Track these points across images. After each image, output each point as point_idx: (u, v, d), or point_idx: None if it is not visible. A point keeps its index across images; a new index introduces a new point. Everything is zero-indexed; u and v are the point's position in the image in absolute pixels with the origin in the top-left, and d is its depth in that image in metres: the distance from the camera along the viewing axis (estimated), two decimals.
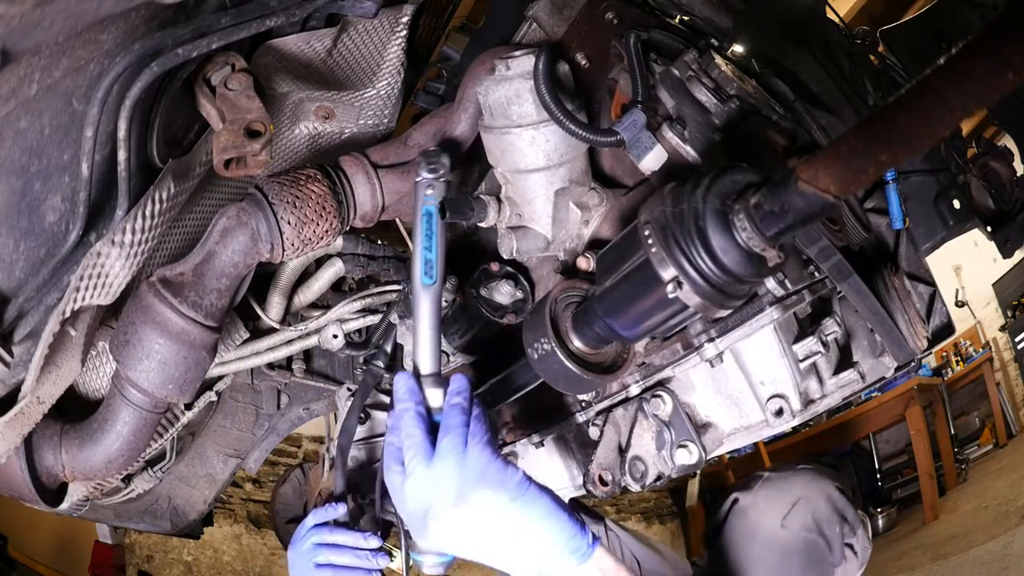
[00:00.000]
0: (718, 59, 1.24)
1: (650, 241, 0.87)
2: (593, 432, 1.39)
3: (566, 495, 1.57)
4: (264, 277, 1.69)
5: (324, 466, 1.71)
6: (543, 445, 1.59)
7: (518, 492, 0.93)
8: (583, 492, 1.53)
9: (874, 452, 6.52)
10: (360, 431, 1.61)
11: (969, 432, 6.25)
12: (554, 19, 1.38)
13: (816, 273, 1.18)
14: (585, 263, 1.25)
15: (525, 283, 1.40)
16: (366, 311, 1.79)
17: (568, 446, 1.54)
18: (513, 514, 0.92)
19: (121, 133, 0.98)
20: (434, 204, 1.09)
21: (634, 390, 1.32)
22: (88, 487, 1.49)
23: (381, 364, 1.52)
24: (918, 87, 0.57)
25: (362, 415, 1.57)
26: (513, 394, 1.34)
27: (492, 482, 0.93)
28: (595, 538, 0.96)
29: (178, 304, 1.11)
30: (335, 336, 1.40)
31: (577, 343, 1.10)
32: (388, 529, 1.48)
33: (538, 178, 1.31)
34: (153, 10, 0.95)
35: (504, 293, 1.36)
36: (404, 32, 1.41)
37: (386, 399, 1.57)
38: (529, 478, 0.96)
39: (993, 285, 6.66)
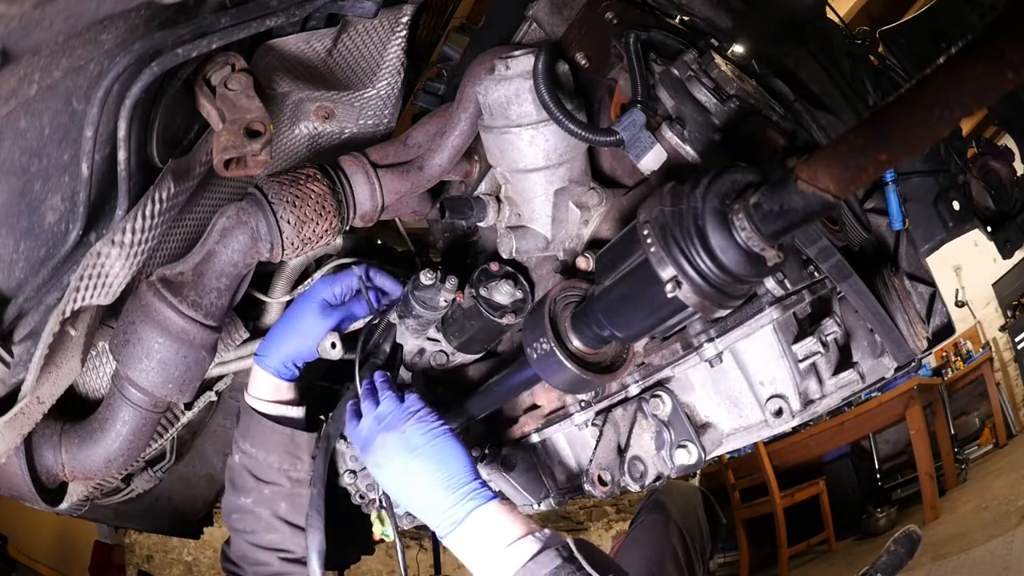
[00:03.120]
0: (718, 59, 1.24)
1: (649, 241, 0.87)
2: (592, 432, 1.39)
3: (564, 495, 1.57)
4: (264, 277, 1.69)
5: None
6: (542, 446, 1.59)
7: (434, 434, 1.17)
8: (579, 493, 1.54)
9: (874, 452, 6.52)
10: None
11: (969, 432, 6.26)
12: (554, 19, 1.38)
13: (816, 273, 1.18)
14: (584, 263, 1.26)
15: (525, 283, 1.40)
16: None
17: (566, 448, 1.54)
18: (427, 448, 1.15)
19: (121, 133, 0.98)
20: None
21: (633, 390, 1.32)
22: (88, 487, 1.49)
23: (379, 363, 1.52)
24: (918, 87, 0.57)
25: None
26: (512, 394, 1.34)
27: (414, 423, 1.18)
28: (494, 495, 1.14)
29: (178, 303, 1.11)
30: (333, 346, 1.40)
31: (576, 343, 1.10)
32: (360, 533, 1.51)
33: (538, 178, 1.31)
34: (153, 10, 0.95)
35: (504, 293, 1.36)
36: (404, 32, 1.41)
37: None
38: (449, 429, 1.20)
39: (993, 285, 6.66)
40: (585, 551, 1.05)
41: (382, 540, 1.43)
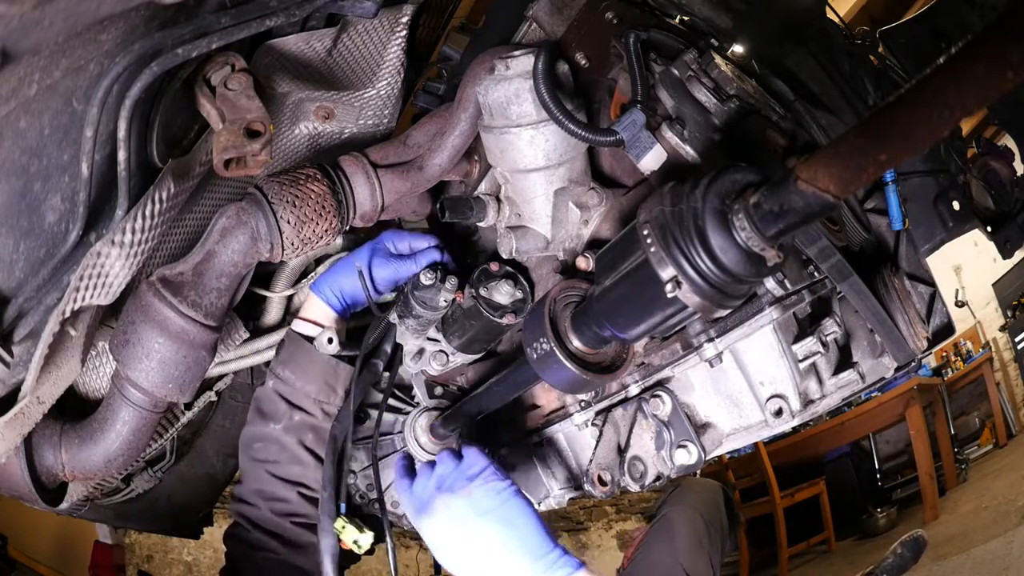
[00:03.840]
0: (718, 59, 1.24)
1: (649, 241, 0.87)
2: (592, 432, 1.39)
3: (564, 495, 1.57)
4: (264, 276, 1.69)
5: None
6: (542, 446, 1.59)
7: (505, 497, 1.04)
8: (579, 493, 1.54)
9: (874, 452, 6.52)
10: (359, 431, 1.61)
11: (969, 432, 6.26)
12: (554, 19, 1.38)
13: (816, 273, 1.18)
14: (584, 263, 1.26)
15: (524, 283, 1.40)
16: None
17: (566, 448, 1.54)
18: (498, 512, 1.02)
19: (121, 133, 0.98)
20: None
21: (633, 390, 1.32)
22: (88, 487, 1.49)
23: (379, 363, 1.52)
24: (918, 87, 0.57)
25: (360, 414, 1.57)
26: (511, 394, 1.33)
27: (480, 484, 1.05)
28: (581, 564, 1.00)
29: (178, 303, 1.11)
30: (330, 340, 1.40)
31: (576, 343, 1.10)
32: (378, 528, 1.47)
33: (537, 178, 1.31)
34: (153, 10, 0.95)
35: (504, 293, 1.37)
36: (404, 32, 1.41)
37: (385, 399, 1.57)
38: (518, 489, 1.06)
39: (993, 285, 6.66)
40: None
41: (351, 550, 1.29)
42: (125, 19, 0.92)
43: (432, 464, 1.17)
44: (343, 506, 1.29)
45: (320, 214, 1.21)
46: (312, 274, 1.71)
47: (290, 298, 1.73)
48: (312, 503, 1.37)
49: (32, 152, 0.92)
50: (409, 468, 1.22)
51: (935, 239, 1.43)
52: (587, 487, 1.33)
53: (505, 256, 1.39)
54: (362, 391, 1.46)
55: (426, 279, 1.35)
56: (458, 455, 1.15)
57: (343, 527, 1.24)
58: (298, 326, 1.46)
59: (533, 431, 1.52)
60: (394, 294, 1.51)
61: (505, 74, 1.22)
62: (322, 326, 1.45)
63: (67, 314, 1.02)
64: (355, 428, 1.44)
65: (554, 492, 1.58)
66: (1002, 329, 6.47)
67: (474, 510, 1.03)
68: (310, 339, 1.43)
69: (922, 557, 3.21)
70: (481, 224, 1.41)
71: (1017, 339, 6.22)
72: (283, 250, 1.19)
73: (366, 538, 1.23)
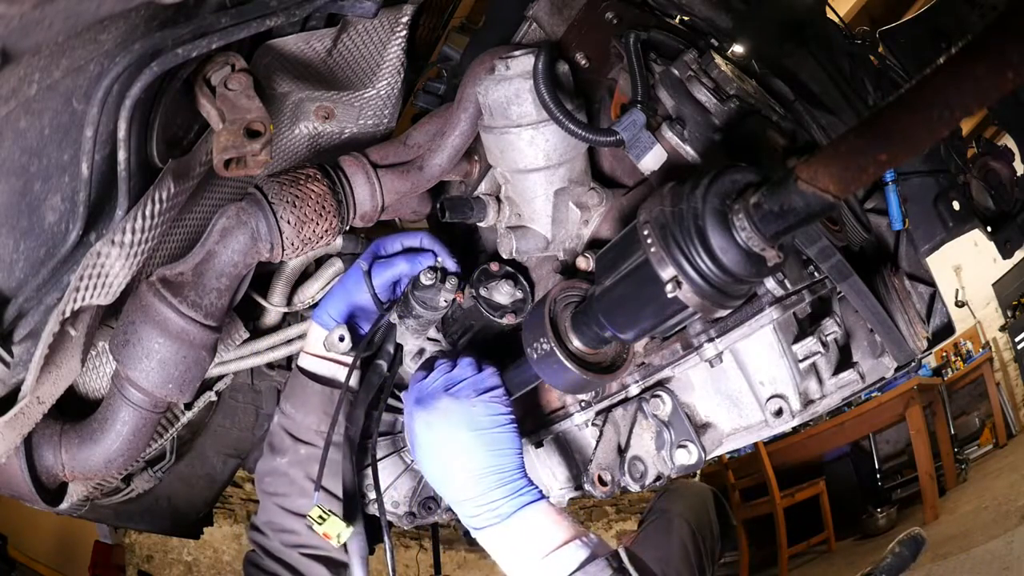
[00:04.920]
0: (718, 59, 1.24)
1: (649, 241, 0.87)
2: (592, 432, 1.39)
3: (564, 495, 1.57)
4: (264, 277, 1.69)
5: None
6: (542, 445, 1.59)
7: (501, 422, 1.10)
8: (579, 493, 1.54)
9: (874, 452, 6.52)
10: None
11: (969, 432, 6.26)
12: (554, 19, 1.38)
13: (816, 273, 1.18)
14: (584, 263, 1.26)
15: (525, 283, 1.40)
16: None
17: (567, 447, 1.54)
18: (487, 430, 1.09)
19: (121, 133, 0.98)
20: None
21: (633, 390, 1.32)
22: (88, 487, 1.49)
23: (383, 363, 1.52)
24: (918, 87, 0.57)
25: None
26: (512, 394, 1.33)
27: (486, 401, 1.11)
28: (544, 497, 1.08)
29: (178, 304, 1.11)
30: (341, 339, 1.38)
31: (576, 343, 1.10)
32: (376, 528, 1.46)
33: (538, 178, 1.31)
34: (153, 10, 0.95)
35: (504, 293, 1.37)
36: (404, 32, 1.41)
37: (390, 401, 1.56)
38: (515, 422, 1.13)
39: (993, 285, 6.66)
40: (637, 564, 1.00)
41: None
42: (125, 19, 0.92)
43: (452, 365, 1.20)
44: (316, 495, 1.25)
45: (320, 214, 1.21)
46: (313, 276, 1.71)
47: (290, 299, 1.73)
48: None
49: (32, 152, 0.92)
50: (430, 365, 1.25)
51: (935, 239, 1.43)
52: (587, 487, 1.33)
53: (505, 256, 1.39)
54: (370, 393, 1.46)
55: (426, 279, 1.35)
56: (479, 367, 1.19)
57: (323, 518, 1.22)
58: (303, 360, 1.46)
59: (533, 431, 1.52)
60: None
61: (505, 74, 1.22)
62: (328, 358, 1.45)
63: (67, 314, 1.02)
64: (367, 424, 1.44)
65: (554, 492, 1.58)
66: (1002, 329, 6.47)
67: (469, 423, 1.09)
68: (313, 375, 1.43)
69: (921, 556, 3.21)
70: (481, 224, 1.41)
71: (1017, 339, 6.22)
72: (283, 250, 1.19)
73: (347, 531, 1.22)
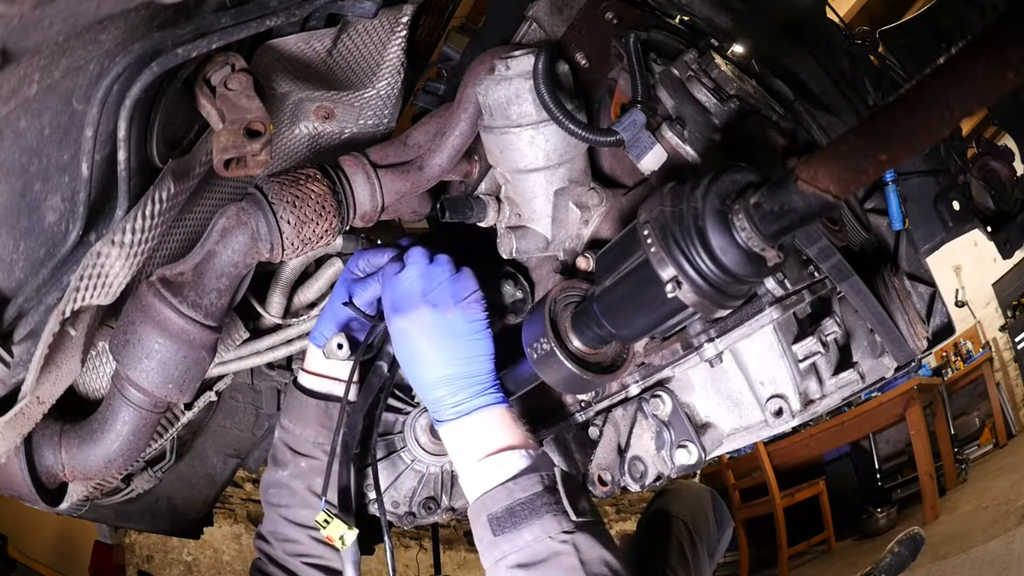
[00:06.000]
0: (718, 59, 1.24)
1: (649, 241, 0.87)
2: (592, 432, 1.39)
3: None
4: (264, 277, 1.69)
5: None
6: (542, 445, 1.59)
7: (476, 328, 1.14)
8: None
9: (874, 452, 6.53)
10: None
11: (969, 432, 6.26)
12: (554, 19, 1.38)
13: (816, 273, 1.18)
14: (584, 263, 1.26)
15: (525, 283, 1.40)
16: None
17: (567, 447, 1.54)
18: (461, 338, 1.13)
19: (121, 133, 0.98)
20: None
21: (633, 390, 1.32)
22: (88, 487, 1.49)
23: (383, 364, 1.52)
24: (918, 87, 0.57)
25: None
26: (511, 394, 1.34)
27: (465, 307, 1.14)
28: (506, 400, 1.14)
29: (178, 304, 1.11)
30: (340, 346, 1.39)
31: (576, 343, 1.10)
32: (377, 528, 1.46)
33: (538, 178, 1.31)
34: (153, 10, 0.95)
35: (504, 293, 1.36)
36: (404, 32, 1.41)
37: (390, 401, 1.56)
38: (489, 324, 1.16)
39: (993, 285, 6.66)
40: (569, 486, 1.02)
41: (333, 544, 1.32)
42: (125, 19, 0.92)
43: (428, 258, 1.21)
44: (323, 502, 1.28)
45: (320, 214, 1.21)
46: (313, 276, 1.71)
47: (290, 298, 1.73)
48: (323, 544, 1.41)
49: (32, 152, 0.92)
50: (402, 260, 1.25)
51: (935, 239, 1.43)
52: (587, 487, 1.33)
53: (505, 256, 1.39)
54: (369, 395, 1.46)
55: None
56: (455, 266, 1.21)
57: (328, 521, 1.25)
58: (301, 378, 1.48)
59: (533, 431, 1.52)
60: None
61: (505, 74, 1.22)
62: (325, 376, 1.47)
63: (67, 314, 1.02)
64: (366, 427, 1.44)
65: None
66: (1002, 329, 6.48)
67: (448, 331, 1.13)
68: (312, 392, 1.45)
69: (921, 556, 3.22)
70: (481, 224, 1.41)
71: (1017, 339, 6.23)
72: (283, 250, 1.19)
73: (351, 534, 1.24)
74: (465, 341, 1.13)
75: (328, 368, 1.47)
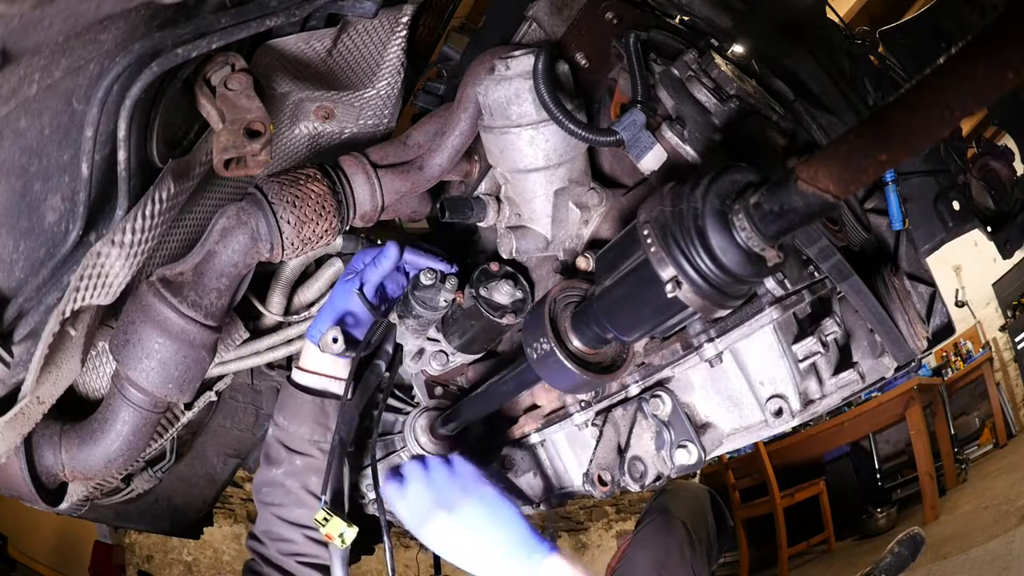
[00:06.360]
0: (718, 59, 1.24)
1: (649, 241, 0.87)
2: (592, 432, 1.39)
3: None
4: (264, 277, 1.69)
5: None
6: (543, 446, 1.59)
7: (495, 507, 1.18)
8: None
9: (874, 452, 6.52)
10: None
11: (969, 432, 6.26)
12: (554, 19, 1.38)
13: (816, 273, 1.18)
14: (584, 263, 1.26)
15: (525, 283, 1.40)
16: None
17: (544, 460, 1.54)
18: (488, 522, 1.17)
19: (121, 133, 0.98)
20: None
21: (633, 390, 1.32)
22: (88, 487, 1.49)
23: (381, 363, 1.52)
24: (918, 87, 0.57)
25: (365, 421, 1.57)
26: (512, 394, 1.34)
27: (474, 494, 1.19)
28: (554, 547, 1.16)
29: (178, 304, 1.11)
30: (335, 340, 1.39)
31: (576, 343, 1.10)
32: (377, 527, 1.46)
33: (537, 178, 1.31)
34: (153, 10, 0.95)
35: (504, 293, 1.36)
36: (404, 32, 1.41)
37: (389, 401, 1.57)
38: (503, 493, 1.21)
39: (993, 285, 6.66)
40: None
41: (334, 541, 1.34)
42: (125, 19, 0.92)
43: (423, 464, 1.26)
44: (322, 500, 1.28)
45: (320, 214, 1.21)
46: (313, 276, 1.71)
47: (290, 298, 1.73)
48: (317, 544, 1.41)
49: (32, 152, 0.92)
50: (399, 473, 1.28)
51: (935, 239, 1.43)
52: (587, 487, 1.33)
53: (505, 256, 1.39)
54: (366, 393, 1.46)
55: (426, 279, 1.35)
56: (447, 462, 1.26)
57: (327, 519, 1.25)
58: (296, 375, 1.48)
59: (533, 431, 1.52)
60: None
61: (505, 74, 1.22)
62: (321, 373, 1.47)
63: (67, 314, 1.02)
64: (365, 426, 1.44)
65: (554, 492, 1.58)
66: (1002, 329, 6.47)
67: (473, 523, 1.17)
68: (307, 389, 1.45)
69: (921, 556, 3.21)
70: (481, 224, 1.41)
71: (1017, 339, 6.22)
72: (283, 250, 1.19)
73: (351, 532, 1.24)
74: (492, 521, 1.17)
75: (324, 366, 1.46)
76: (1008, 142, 1.63)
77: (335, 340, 1.39)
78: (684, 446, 1.23)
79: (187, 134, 1.27)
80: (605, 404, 1.36)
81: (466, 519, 1.17)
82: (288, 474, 1.43)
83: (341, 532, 1.25)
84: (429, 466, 1.26)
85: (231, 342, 1.65)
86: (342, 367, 1.46)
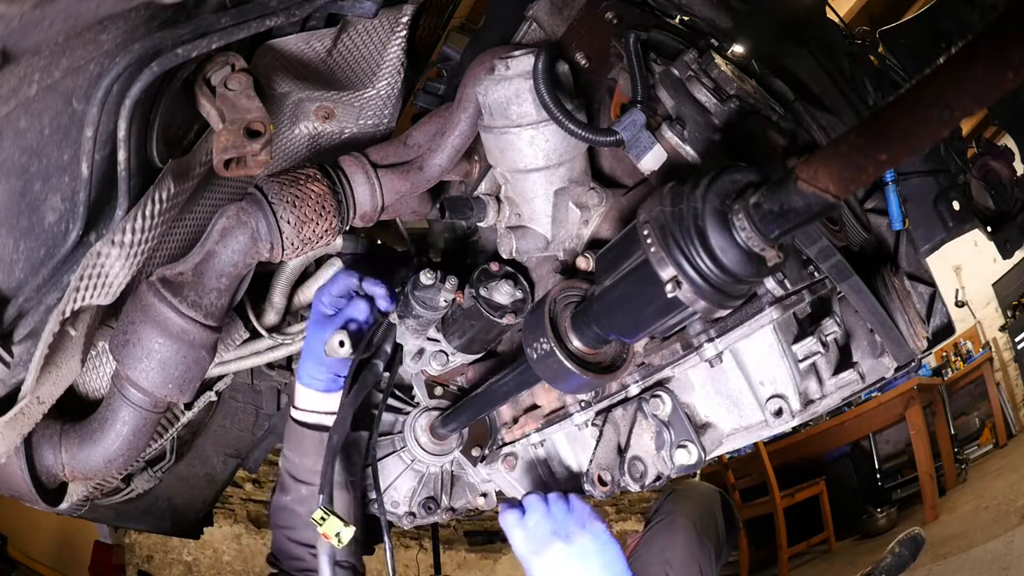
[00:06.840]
0: (718, 59, 1.24)
1: (649, 241, 0.87)
2: (592, 432, 1.39)
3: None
4: (264, 277, 1.69)
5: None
6: (542, 445, 1.59)
7: (603, 541, 1.27)
8: None
9: (874, 452, 6.53)
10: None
11: (969, 432, 6.26)
12: (554, 19, 1.38)
13: (816, 273, 1.18)
14: (584, 263, 1.26)
15: (525, 283, 1.40)
16: None
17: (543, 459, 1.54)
18: (596, 556, 1.25)
19: (121, 133, 0.98)
20: None
21: (633, 390, 1.32)
22: (88, 487, 1.49)
23: (380, 363, 1.52)
24: (918, 87, 0.57)
25: (365, 419, 1.57)
26: (512, 394, 1.34)
27: (589, 529, 1.27)
28: None
29: (178, 304, 1.11)
30: (341, 344, 1.39)
31: (576, 343, 1.10)
32: (377, 527, 1.47)
33: (537, 178, 1.31)
34: (153, 10, 0.95)
35: (504, 293, 1.36)
36: (404, 32, 1.41)
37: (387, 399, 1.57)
38: (608, 528, 1.30)
39: (993, 285, 6.67)
40: None
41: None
42: (125, 19, 0.92)
43: (543, 498, 1.34)
44: (320, 499, 1.29)
45: (320, 214, 1.21)
46: (313, 276, 1.71)
47: (290, 298, 1.73)
48: None
49: (32, 152, 0.92)
50: (517, 503, 1.37)
51: (935, 239, 1.43)
52: (587, 487, 1.33)
53: (505, 256, 1.39)
54: (362, 392, 1.46)
55: (426, 279, 1.35)
56: (565, 498, 1.35)
57: (324, 519, 1.26)
58: (295, 414, 1.54)
59: (533, 431, 1.52)
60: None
61: (505, 74, 1.21)
62: (317, 412, 1.52)
63: (67, 314, 1.02)
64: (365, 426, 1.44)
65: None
66: (1002, 329, 6.48)
67: (586, 554, 1.26)
68: (306, 425, 1.52)
69: (921, 556, 3.21)
70: (481, 224, 1.41)
71: (1017, 339, 6.23)
72: (283, 250, 1.19)
73: (348, 532, 1.24)
74: (601, 555, 1.26)
75: (316, 404, 1.52)
76: (1008, 142, 1.63)
77: (342, 344, 1.39)
78: (684, 446, 1.23)
79: (187, 134, 1.27)
80: (605, 404, 1.36)
81: (579, 551, 1.26)
82: (296, 501, 1.53)
83: (338, 532, 1.25)
84: (549, 500, 1.34)
85: (231, 342, 1.65)
86: (324, 401, 1.53)
